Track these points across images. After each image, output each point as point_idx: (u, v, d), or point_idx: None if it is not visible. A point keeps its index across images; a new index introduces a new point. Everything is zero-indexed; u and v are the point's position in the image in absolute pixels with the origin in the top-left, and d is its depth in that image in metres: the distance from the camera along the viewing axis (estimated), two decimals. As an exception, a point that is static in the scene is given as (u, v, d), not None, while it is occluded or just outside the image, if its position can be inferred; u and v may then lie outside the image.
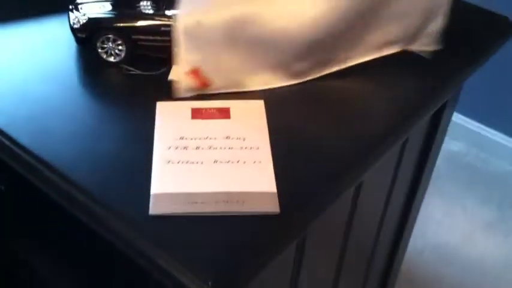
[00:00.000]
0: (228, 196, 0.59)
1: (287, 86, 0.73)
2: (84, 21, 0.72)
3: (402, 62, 0.79)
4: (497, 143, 1.84)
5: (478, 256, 1.59)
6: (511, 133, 1.82)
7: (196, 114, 0.67)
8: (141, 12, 0.72)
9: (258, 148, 0.64)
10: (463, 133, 1.86)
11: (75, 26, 0.72)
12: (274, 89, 0.73)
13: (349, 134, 0.68)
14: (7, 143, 0.64)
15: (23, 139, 0.64)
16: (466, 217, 1.70)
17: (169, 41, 0.70)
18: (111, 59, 0.73)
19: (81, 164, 0.62)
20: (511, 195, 1.77)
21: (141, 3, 0.73)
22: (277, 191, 0.60)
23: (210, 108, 0.68)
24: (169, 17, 0.71)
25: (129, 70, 0.73)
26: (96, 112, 0.69)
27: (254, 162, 0.62)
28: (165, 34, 0.71)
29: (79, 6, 0.73)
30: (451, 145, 1.84)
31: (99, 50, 0.72)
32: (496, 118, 1.83)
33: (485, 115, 1.85)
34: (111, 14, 0.72)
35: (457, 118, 1.82)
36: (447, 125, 0.99)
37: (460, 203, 1.74)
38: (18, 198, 0.80)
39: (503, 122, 1.82)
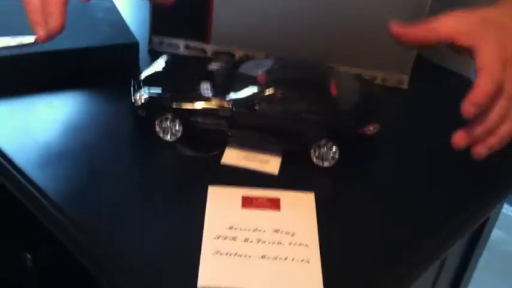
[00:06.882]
0: (274, 296, 0.58)
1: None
2: (146, 100, 0.73)
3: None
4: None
5: None
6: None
7: (247, 203, 0.68)
8: (200, 95, 0.73)
9: (306, 245, 0.63)
10: (503, 220, 1.81)
11: (136, 104, 0.74)
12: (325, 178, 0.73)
13: (400, 237, 0.67)
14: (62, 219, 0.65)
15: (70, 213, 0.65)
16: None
17: (226, 125, 0.72)
18: (168, 137, 0.74)
19: (129, 246, 0.62)
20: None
21: (202, 85, 0.75)
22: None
23: (260, 198, 0.68)
24: (228, 101, 0.72)
25: (183, 151, 0.74)
26: (146, 191, 0.70)
27: (302, 260, 0.62)
28: (221, 118, 0.72)
29: (141, 84, 0.75)
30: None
31: (157, 129, 0.74)
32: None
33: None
34: (172, 95, 0.74)
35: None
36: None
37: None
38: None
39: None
